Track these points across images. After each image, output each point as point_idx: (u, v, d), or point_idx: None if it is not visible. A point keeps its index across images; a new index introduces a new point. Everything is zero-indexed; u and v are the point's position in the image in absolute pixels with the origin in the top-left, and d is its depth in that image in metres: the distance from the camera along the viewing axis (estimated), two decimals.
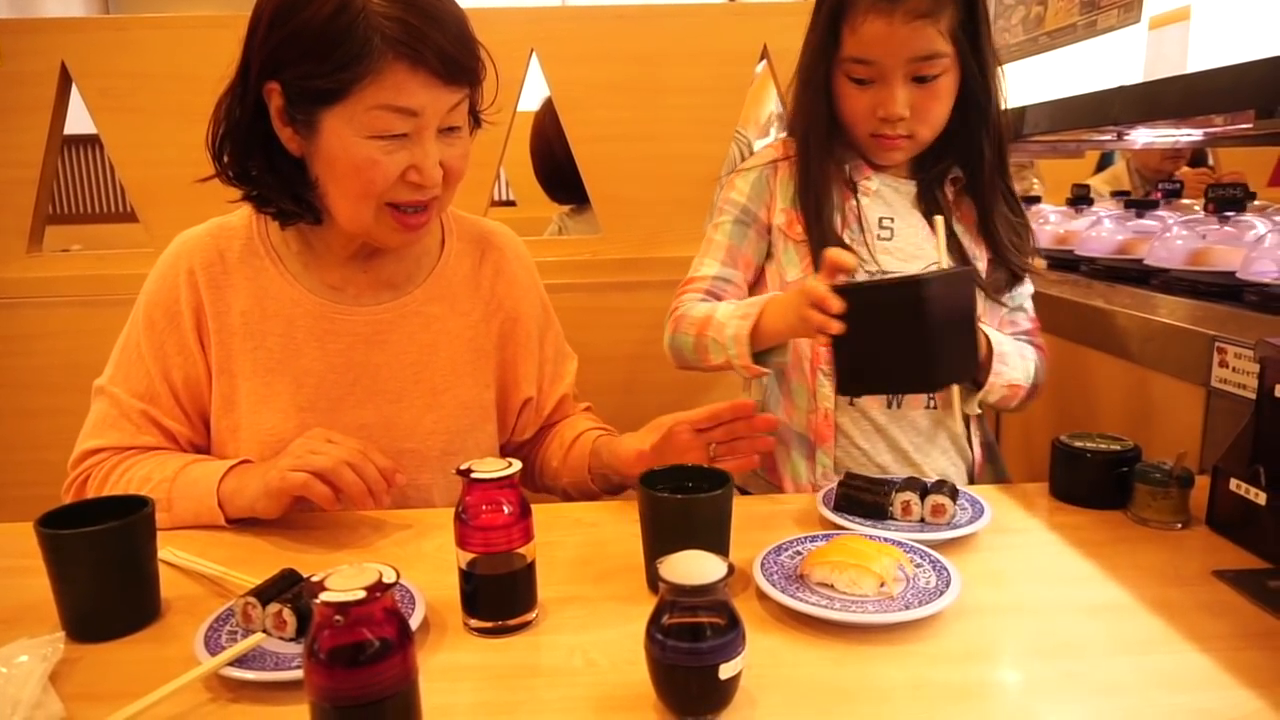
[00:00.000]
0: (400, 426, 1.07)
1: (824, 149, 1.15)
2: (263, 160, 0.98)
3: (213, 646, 0.70)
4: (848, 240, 1.15)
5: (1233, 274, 1.24)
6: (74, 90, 1.66)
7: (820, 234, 1.13)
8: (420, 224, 0.99)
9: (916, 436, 1.17)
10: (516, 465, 0.76)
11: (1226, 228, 1.32)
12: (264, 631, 0.72)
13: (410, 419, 1.08)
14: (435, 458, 1.08)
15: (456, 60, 0.92)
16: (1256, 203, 1.47)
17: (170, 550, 0.89)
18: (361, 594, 0.55)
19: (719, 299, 1.18)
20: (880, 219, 1.17)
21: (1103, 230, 1.58)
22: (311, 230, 1.06)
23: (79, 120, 1.69)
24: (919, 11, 1.05)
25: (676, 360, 1.19)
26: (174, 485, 0.98)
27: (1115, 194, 2.18)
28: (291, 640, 0.72)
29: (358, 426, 1.04)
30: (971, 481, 1.21)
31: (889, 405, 1.16)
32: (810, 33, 1.15)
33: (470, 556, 0.75)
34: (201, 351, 1.04)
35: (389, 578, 0.57)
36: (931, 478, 0.99)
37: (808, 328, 0.94)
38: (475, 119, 1.04)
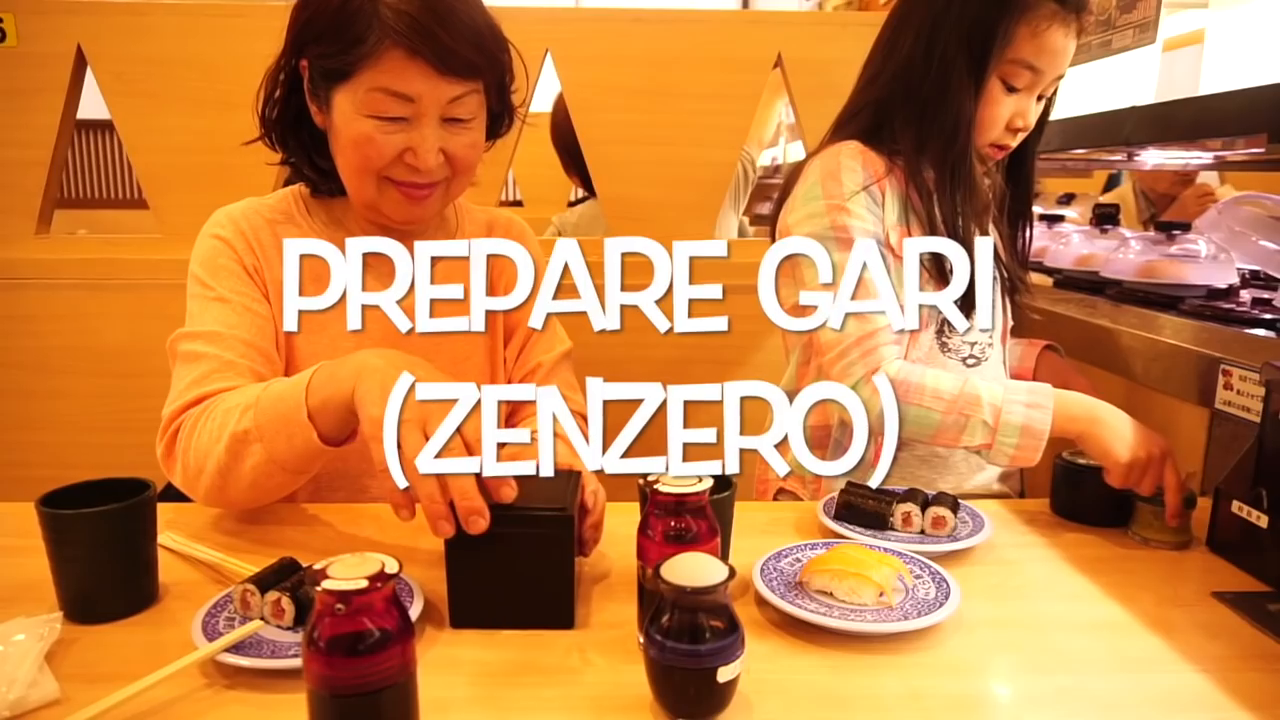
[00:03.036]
0: None
1: (967, 152, 1.12)
2: (294, 129, 1.06)
3: (210, 632, 0.70)
4: None
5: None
6: (88, 74, 1.66)
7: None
8: (424, 196, 1.02)
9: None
10: (707, 482, 0.70)
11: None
12: (262, 619, 0.72)
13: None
14: None
15: (458, 55, 0.95)
16: None
17: (170, 535, 0.89)
18: (364, 583, 0.55)
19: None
20: None
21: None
22: (341, 208, 1.10)
23: (91, 105, 1.70)
24: (1080, 29, 1.07)
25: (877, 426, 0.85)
26: (258, 408, 0.88)
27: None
28: (289, 629, 0.72)
29: None
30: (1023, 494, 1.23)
31: None
32: (964, 25, 1.09)
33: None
34: (266, 300, 1.04)
35: (391, 568, 0.58)
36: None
37: (1142, 465, 0.93)
38: (508, 116, 1.08)
